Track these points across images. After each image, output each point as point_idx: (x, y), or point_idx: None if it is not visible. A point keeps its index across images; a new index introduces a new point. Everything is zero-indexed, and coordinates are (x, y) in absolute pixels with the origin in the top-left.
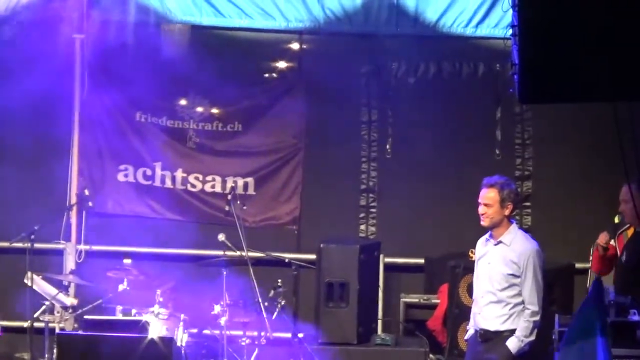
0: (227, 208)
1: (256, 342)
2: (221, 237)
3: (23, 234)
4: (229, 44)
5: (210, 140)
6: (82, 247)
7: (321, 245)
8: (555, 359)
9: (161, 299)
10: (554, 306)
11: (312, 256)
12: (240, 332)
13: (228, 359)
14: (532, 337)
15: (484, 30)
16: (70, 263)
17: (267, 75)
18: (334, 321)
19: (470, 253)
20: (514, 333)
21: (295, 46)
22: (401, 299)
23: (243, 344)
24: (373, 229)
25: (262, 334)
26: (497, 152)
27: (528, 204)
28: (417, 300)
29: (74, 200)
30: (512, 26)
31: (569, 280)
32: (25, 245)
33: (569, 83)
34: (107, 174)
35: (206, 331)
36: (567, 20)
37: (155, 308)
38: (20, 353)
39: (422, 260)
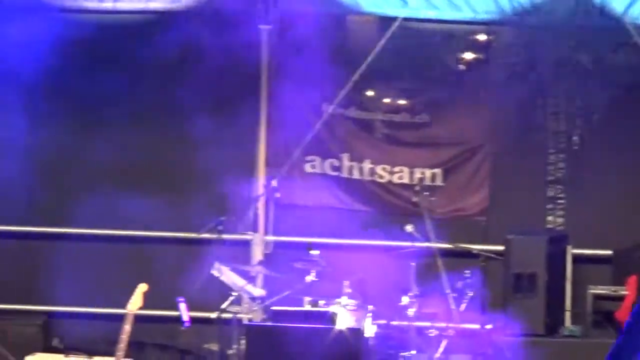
0: (415, 199)
1: (444, 333)
2: (409, 228)
3: (211, 225)
4: (416, 35)
5: (398, 131)
6: (270, 238)
7: (509, 237)
8: None
9: (349, 290)
10: None
11: (500, 247)
12: (428, 323)
13: (416, 350)
14: None
15: None
16: (258, 254)
17: (454, 66)
18: (522, 312)
19: None
20: None
21: (482, 37)
22: (589, 291)
23: (431, 335)
24: (560, 220)
25: (450, 325)
26: None
27: None
28: (605, 291)
29: (261, 191)
30: None
31: None
32: (214, 236)
33: None
34: (294, 165)
35: (394, 322)
36: None
37: (343, 299)
38: (209, 344)
39: (610, 252)
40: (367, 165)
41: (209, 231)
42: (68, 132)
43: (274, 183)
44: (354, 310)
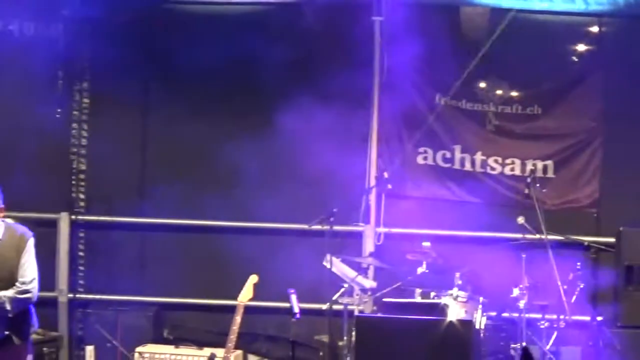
0: (526, 191)
1: (555, 325)
2: (520, 220)
3: (322, 217)
4: (529, 27)
5: (510, 123)
6: (381, 229)
7: (621, 229)
8: None
9: (460, 282)
10: None
11: (611, 239)
12: (539, 315)
13: (527, 342)
14: None
15: None
16: (369, 245)
17: (566, 58)
18: (634, 304)
19: None
20: None
21: (594, 29)
22: None
23: (542, 327)
24: None
25: (561, 317)
26: None
27: None
28: None
29: (373, 182)
30: None
31: None
32: (325, 227)
33: None
34: (406, 157)
35: (505, 314)
36: None
37: (454, 291)
38: (319, 335)
39: None
40: (478, 157)
41: (320, 223)
42: (186, 127)
43: (386, 175)
44: (464, 302)
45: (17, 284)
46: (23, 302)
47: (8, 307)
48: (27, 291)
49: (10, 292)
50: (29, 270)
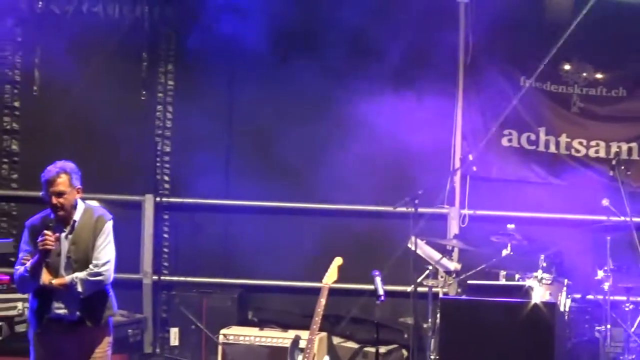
0: (611, 173)
1: None
2: (605, 202)
3: (407, 199)
4: (614, 8)
5: (594, 106)
6: (466, 211)
7: None
8: None
9: (544, 264)
10: None
11: None
12: (623, 298)
13: (611, 324)
14: None
15: None
16: (453, 228)
17: None
18: None
19: None
20: None
21: None
22: None
23: (627, 309)
24: None
25: None
26: None
27: None
28: None
29: (457, 164)
30: None
31: None
32: (409, 210)
33: None
34: (491, 139)
35: (589, 296)
36: None
37: (539, 273)
38: (404, 317)
39: None
40: (563, 139)
41: (405, 205)
42: (272, 109)
43: (471, 157)
44: (549, 284)
45: (90, 265)
46: (94, 284)
47: (79, 288)
48: (99, 274)
49: (82, 274)
50: (103, 252)
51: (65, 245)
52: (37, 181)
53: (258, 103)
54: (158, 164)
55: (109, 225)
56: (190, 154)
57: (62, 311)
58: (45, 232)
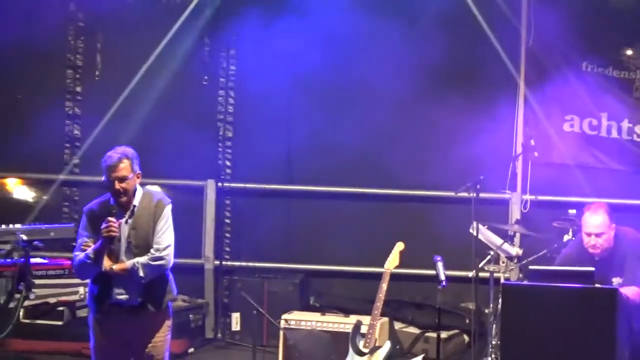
0: None
1: None
2: None
3: (469, 184)
4: None
5: None
6: (528, 197)
7: None
8: None
9: None
10: None
11: None
12: None
13: None
14: None
15: None
16: (515, 213)
17: None
18: None
19: None
20: None
21: None
22: None
23: None
24: None
25: None
26: None
27: None
28: None
29: (519, 150)
30: None
31: None
32: (471, 195)
33: None
34: (552, 124)
35: None
36: None
37: None
38: (465, 303)
39: None
40: (625, 124)
41: (467, 190)
42: (334, 93)
43: (533, 142)
44: None
45: (151, 250)
46: (156, 268)
47: (141, 273)
48: (160, 258)
49: (143, 259)
50: (163, 237)
51: (125, 231)
52: (99, 166)
53: (318, 89)
54: (220, 149)
55: (168, 210)
56: (252, 138)
57: (123, 296)
58: (109, 218)
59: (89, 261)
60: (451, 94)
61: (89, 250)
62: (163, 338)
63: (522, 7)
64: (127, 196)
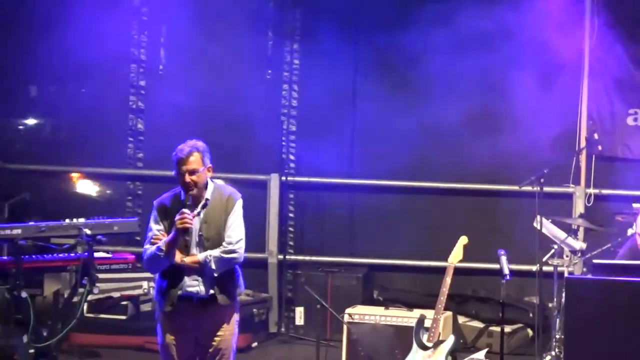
0: None
1: None
2: None
3: (532, 178)
4: None
5: None
6: (592, 190)
7: None
8: None
9: None
10: None
11: None
12: None
13: None
14: None
15: None
16: (579, 207)
17: None
18: None
19: None
20: None
21: None
22: None
23: None
24: None
25: None
26: None
27: None
28: None
29: (583, 143)
30: None
31: None
32: (535, 189)
33: None
34: (616, 118)
35: None
36: None
37: None
38: (529, 297)
39: None
40: None
41: (531, 184)
42: (395, 88)
43: (596, 136)
44: None
45: (224, 243)
46: (228, 261)
47: (213, 266)
48: (233, 251)
49: (216, 252)
50: (235, 230)
51: (196, 224)
52: (163, 161)
53: (383, 81)
54: (284, 143)
55: (239, 204)
56: (315, 132)
57: (194, 289)
58: (184, 210)
59: (160, 254)
60: (517, 89)
61: (161, 243)
62: (231, 331)
63: (585, 2)
64: (197, 189)
